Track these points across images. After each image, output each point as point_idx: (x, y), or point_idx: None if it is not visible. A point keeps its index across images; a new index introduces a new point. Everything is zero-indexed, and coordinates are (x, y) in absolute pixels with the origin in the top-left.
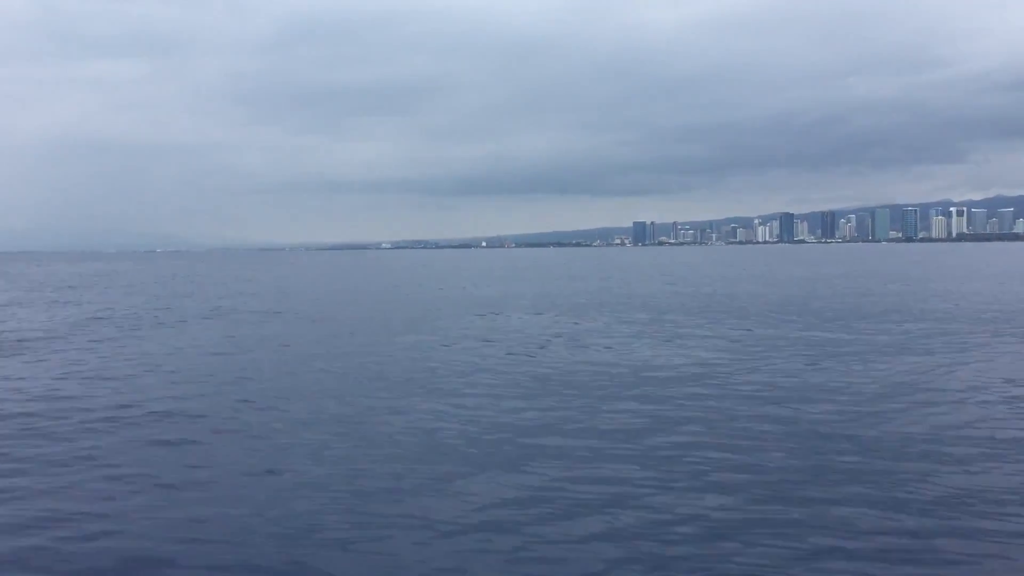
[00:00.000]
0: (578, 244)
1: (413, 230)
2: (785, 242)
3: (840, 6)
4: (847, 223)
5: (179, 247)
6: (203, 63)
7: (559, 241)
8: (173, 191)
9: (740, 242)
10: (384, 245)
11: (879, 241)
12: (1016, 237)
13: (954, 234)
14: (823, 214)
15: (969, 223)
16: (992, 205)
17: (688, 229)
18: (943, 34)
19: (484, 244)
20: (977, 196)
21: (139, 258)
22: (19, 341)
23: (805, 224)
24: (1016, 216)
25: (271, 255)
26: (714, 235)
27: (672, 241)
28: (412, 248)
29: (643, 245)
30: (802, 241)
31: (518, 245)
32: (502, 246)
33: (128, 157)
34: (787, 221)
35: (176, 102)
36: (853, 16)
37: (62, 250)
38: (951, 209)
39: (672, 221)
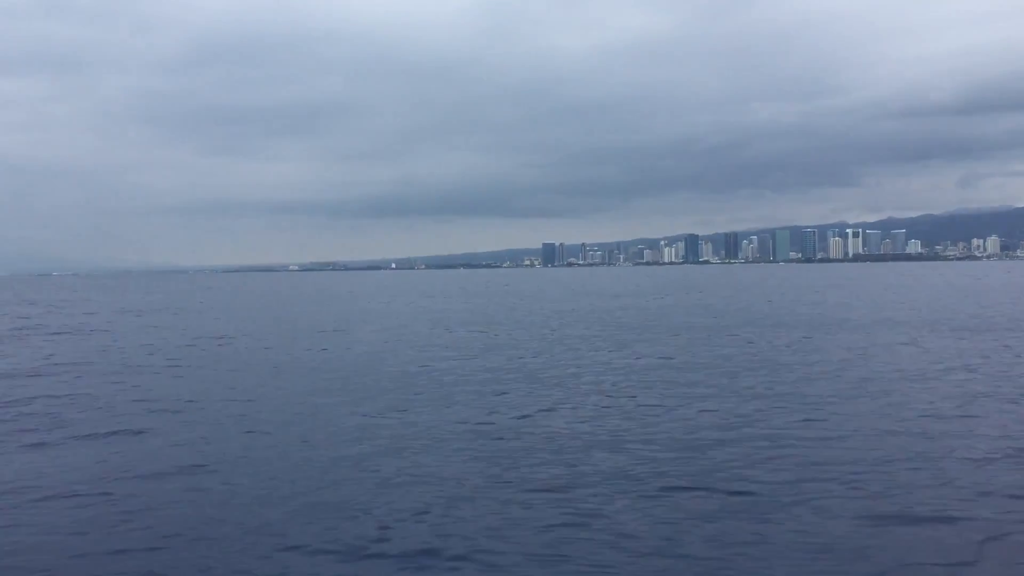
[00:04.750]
0: (488, 265)
1: (322, 252)
2: (690, 263)
3: (742, 35)
4: (749, 244)
5: (77, 270)
6: (107, 82)
7: (469, 262)
8: (73, 213)
9: (647, 263)
10: (292, 267)
11: (779, 262)
12: (908, 257)
13: (850, 254)
14: (726, 235)
15: (864, 244)
16: (885, 227)
17: (596, 250)
18: (839, 63)
19: (394, 266)
20: (871, 218)
21: (29, 281)
22: None
23: (709, 245)
24: (908, 237)
25: (169, 277)
26: (621, 256)
27: (581, 262)
28: (320, 270)
29: (552, 266)
30: (707, 262)
31: (428, 267)
32: (412, 268)
33: (26, 178)
34: (692, 242)
35: (78, 122)
36: (754, 45)
37: None
38: (847, 230)
39: (581, 242)
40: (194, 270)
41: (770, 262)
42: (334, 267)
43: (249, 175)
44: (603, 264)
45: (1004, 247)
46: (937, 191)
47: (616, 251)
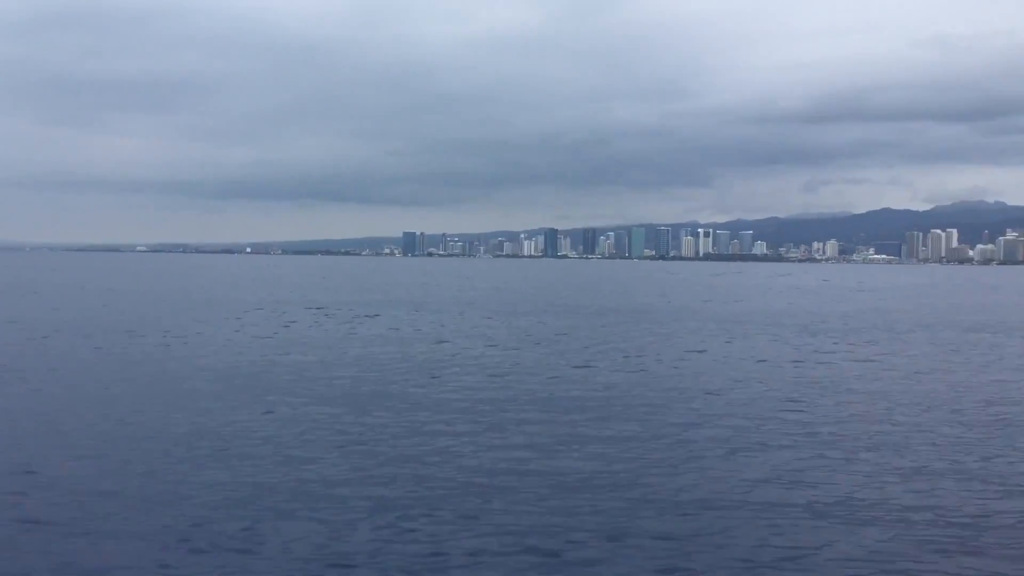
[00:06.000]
0: (347, 252)
1: (173, 233)
2: (549, 256)
3: (608, 35)
4: (606, 240)
5: None
6: None
7: (328, 249)
8: None
9: (507, 255)
10: (139, 247)
11: (635, 258)
12: (754, 257)
13: (701, 253)
14: (584, 231)
15: (714, 244)
16: (734, 228)
17: (457, 241)
18: (696, 68)
19: (248, 250)
20: (721, 219)
21: None
22: None
23: (568, 240)
24: (755, 238)
25: (3, 255)
26: (482, 248)
27: (441, 252)
28: (171, 252)
29: (412, 255)
30: (565, 256)
31: (285, 252)
32: (268, 252)
33: None
34: (551, 236)
35: None
36: (616, 45)
37: None
38: (699, 230)
39: (442, 232)
40: (31, 247)
41: (625, 258)
42: (185, 249)
43: (96, 149)
44: (463, 255)
45: (842, 251)
46: (783, 195)
47: (476, 242)
